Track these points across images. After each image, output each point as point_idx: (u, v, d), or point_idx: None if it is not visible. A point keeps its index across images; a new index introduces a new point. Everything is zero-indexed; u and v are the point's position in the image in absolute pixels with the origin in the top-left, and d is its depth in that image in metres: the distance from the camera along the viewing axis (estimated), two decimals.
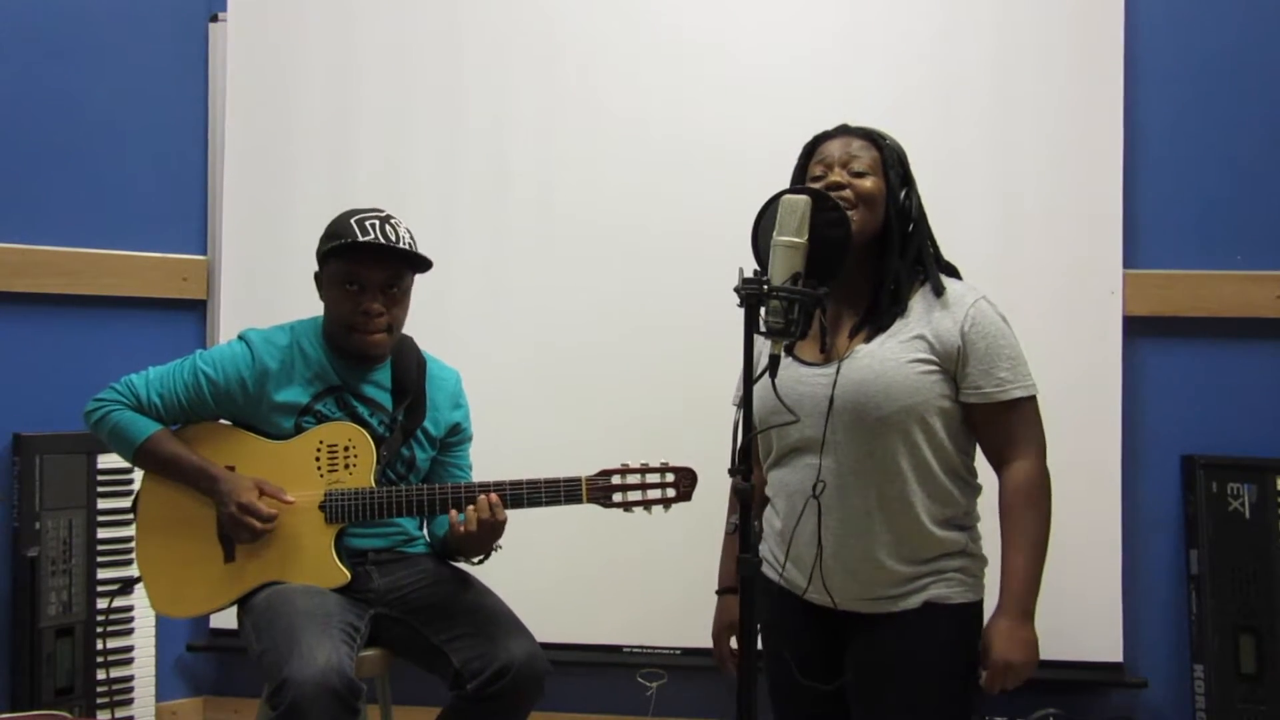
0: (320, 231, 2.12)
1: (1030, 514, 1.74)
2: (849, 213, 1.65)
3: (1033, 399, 1.77)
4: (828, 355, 1.78)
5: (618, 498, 2.02)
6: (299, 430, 2.10)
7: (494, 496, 1.99)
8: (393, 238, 2.06)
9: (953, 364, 1.74)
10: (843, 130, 1.83)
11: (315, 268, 2.14)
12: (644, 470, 2.03)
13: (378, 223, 2.07)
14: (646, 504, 2.02)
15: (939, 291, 1.75)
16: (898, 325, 1.75)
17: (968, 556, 1.78)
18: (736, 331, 1.48)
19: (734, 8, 2.78)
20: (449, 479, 2.24)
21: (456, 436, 2.26)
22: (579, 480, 2.01)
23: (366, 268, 2.06)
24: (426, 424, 2.19)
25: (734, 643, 1.88)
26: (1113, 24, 2.66)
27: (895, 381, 1.71)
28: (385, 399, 2.16)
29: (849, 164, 1.77)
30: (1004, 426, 1.76)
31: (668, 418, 2.67)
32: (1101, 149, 2.65)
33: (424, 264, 2.11)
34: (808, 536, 1.77)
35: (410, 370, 2.18)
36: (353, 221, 2.07)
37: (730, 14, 2.78)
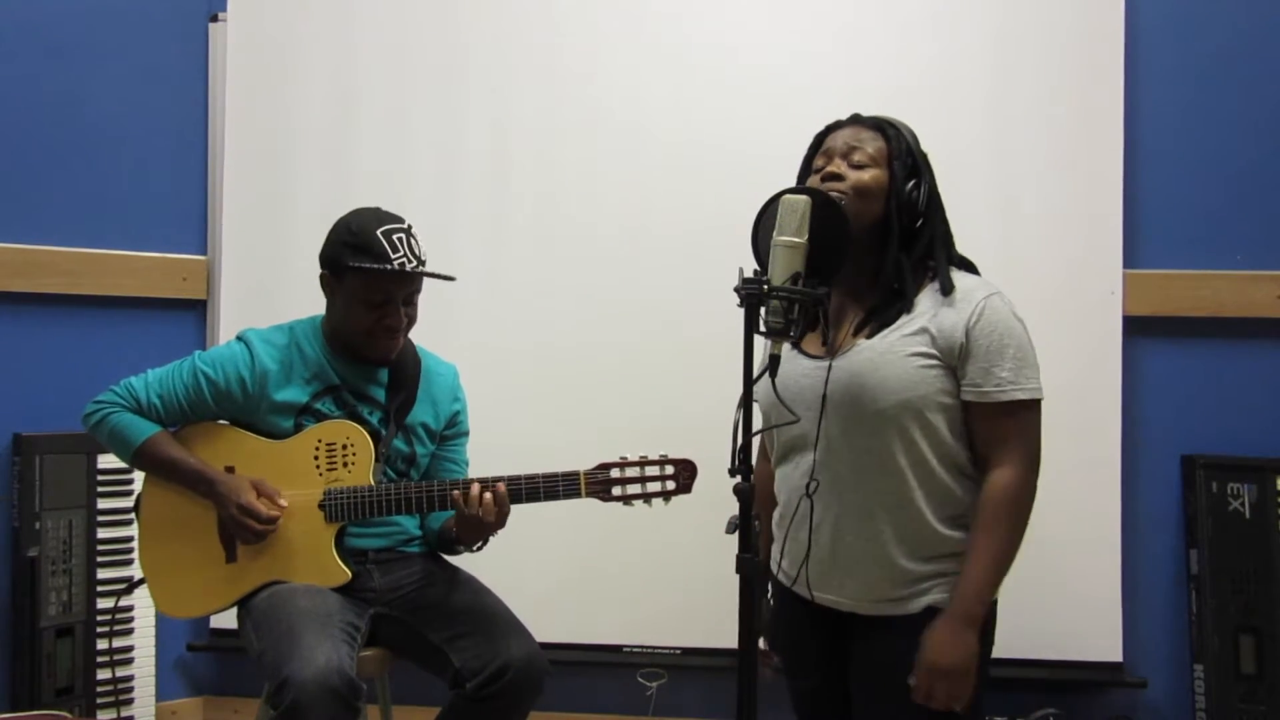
0: (323, 228, 2.10)
1: (999, 525, 1.66)
2: (842, 203, 1.62)
3: (1034, 404, 1.69)
4: (829, 349, 1.75)
5: (617, 491, 2.01)
6: (298, 429, 2.10)
7: (501, 487, 1.98)
8: (419, 253, 2.06)
9: (955, 360, 1.68)
10: (853, 120, 1.81)
11: (317, 265, 2.11)
12: (643, 463, 2.01)
13: (404, 237, 2.04)
14: (646, 497, 2.01)
15: (947, 289, 1.70)
16: (902, 320, 1.70)
17: None
18: (737, 331, 1.48)
19: (734, 8, 2.78)
20: (445, 474, 2.24)
21: (453, 429, 2.26)
22: (577, 474, 2.00)
23: (396, 286, 2.05)
24: (425, 418, 2.19)
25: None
26: (1113, 24, 2.66)
27: (893, 375, 1.67)
28: (383, 395, 2.16)
29: (850, 155, 1.74)
30: (995, 428, 1.68)
31: (668, 418, 2.66)
32: (1101, 149, 2.65)
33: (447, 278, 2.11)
34: (804, 535, 1.75)
35: (407, 366, 2.18)
36: (379, 234, 2.03)
37: (730, 14, 2.77)
